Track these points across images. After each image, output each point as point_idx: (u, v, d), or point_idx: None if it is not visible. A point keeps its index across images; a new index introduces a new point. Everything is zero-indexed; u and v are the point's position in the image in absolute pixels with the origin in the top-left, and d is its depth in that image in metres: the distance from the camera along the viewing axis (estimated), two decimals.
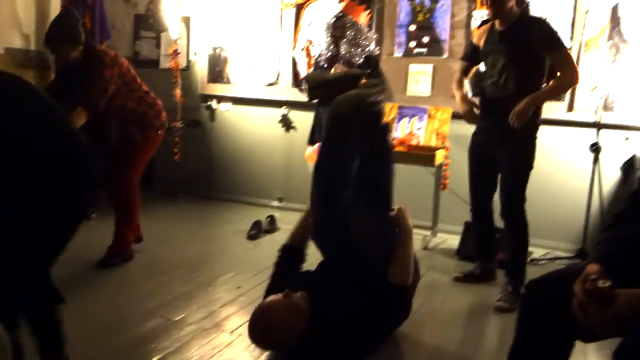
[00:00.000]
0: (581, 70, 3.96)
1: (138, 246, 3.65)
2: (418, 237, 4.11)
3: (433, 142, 4.19)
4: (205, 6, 5.17)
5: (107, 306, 2.88)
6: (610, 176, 3.99)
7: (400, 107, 4.34)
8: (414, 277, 2.65)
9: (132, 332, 2.59)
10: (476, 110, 3.20)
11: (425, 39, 4.44)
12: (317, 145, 3.85)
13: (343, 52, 3.74)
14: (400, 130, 4.28)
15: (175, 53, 5.04)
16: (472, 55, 3.31)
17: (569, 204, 4.09)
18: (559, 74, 3.01)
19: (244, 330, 2.61)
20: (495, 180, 3.22)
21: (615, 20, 3.89)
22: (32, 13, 4.58)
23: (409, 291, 2.60)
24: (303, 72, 4.81)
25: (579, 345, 1.77)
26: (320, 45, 3.92)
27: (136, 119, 3.44)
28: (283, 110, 4.99)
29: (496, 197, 3.24)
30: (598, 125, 3.92)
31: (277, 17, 4.91)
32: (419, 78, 4.46)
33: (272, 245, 3.86)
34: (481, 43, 3.22)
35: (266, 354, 2.43)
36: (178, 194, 5.29)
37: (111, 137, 3.36)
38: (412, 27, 4.48)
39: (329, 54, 3.79)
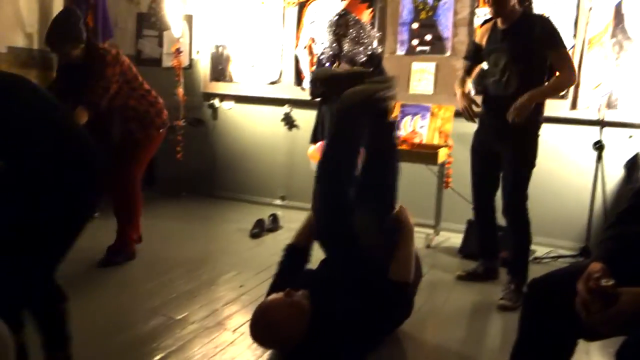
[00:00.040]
0: (585, 67, 3.97)
1: (140, 245, 3.65)
2: (421, 235, 4.11)
3: (436, 141, 4.19)
4: (207, 4, 5.17)
5: (109, 305, 2.89)
6: (614, 174, 3.98)
7: (402, 106, 4.34)
8: (416, 276, 2.65)
9: (135, 331, 2.60)
10: (475, 108, 3.20)
11: (428, 37, 4.44)
12: (319, 143, 3.86)
13: (346, 50, 3.73)
14: (402, 129, 4.28)
15: (178, 51, 5.04)
16: (474, 54, 3.31)
17: (572, 202, 4.09)
18: (557, 73, 3.01)
19: (247, 328, 2.60)
20: (498, 178, 3.21)
21: (618, 17, 3.87)
22: (35, 12, 4.59)
23: (411, 289, 2.60)
24: (305, 70, 4.81)
25: (582, 344, 1.76)
26: (323, 43, 3.92)
27: (138, 117, 3.44)
28: (286, 108, 4.99)
29: (498, 195, 3.23)
30: (601, 123, 3.91)
31: (280, 15, 4.90)
32: (422, 76, 4.46)
33: (274, 244, 3.88)
34: (483, 42, 3.21)
35: (268, 352, 2.43)
36: (181, 192, 5.29)
37: (113, 135, 3.37)
38: (415, 25, 4.47)
39: (332, 52, 3.79)
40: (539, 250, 3.88)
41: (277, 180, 5.14)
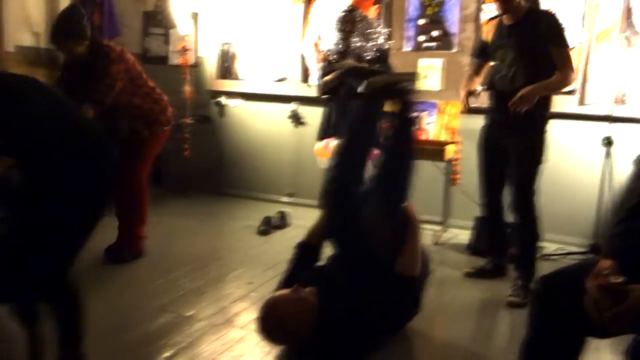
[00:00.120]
0: (593, 63, 3.94)
1: (147, 243, 3.66)
2: (429, 232, 4.10)
3: (443, 137, 4.18)
4: (213, 2, 5.17)
5: (117, 302, 2.90)
6: (623, 170, 3.95)
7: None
8: (424, 273, 2.65)
9: (144, 328, 2.61)
10: (473, 100, 3.23)
11: (435, 33, 4.42)
12: (326, 141, 3.85)
13: (353, 47, 3.72)
14: None
15: (184, 49, 5.05)
16: (481, 51, 3.30)
17: (581, 199, 4.06)
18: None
19: (255, 325, 2.62)
20: (505, 174, 3.20)
21: (627, 12, 3.84)
22: (42, 11, 4.60)
23: (419, 286, 2.60)
24: (312, 67, 4.80)
25: (591, 342, 1.76)
26: (330, 40, 3.90)
27: (142, 115, 3.44)
28: (292, 105, 4.99)
29: (507, 191, 3.22)
30: (610, 119, 3.89)
31: (286, 12, 4.90)
32: (429, 72, 4.44)
33: (282, 241, 3.89)
34: (490, 38, 3.20)
35: (277, 349, 2.43)
36: (188, 190, 5.30)
37: (119, 134, 3.37)
38: (422, 21, 4.45)
39: (339, 48, 3.77)
40: (548, 247, 3.86)
41: (285, 177, 5.14)
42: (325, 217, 2.69)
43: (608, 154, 3.92)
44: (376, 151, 2.72)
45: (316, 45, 4.79)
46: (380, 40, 3.82)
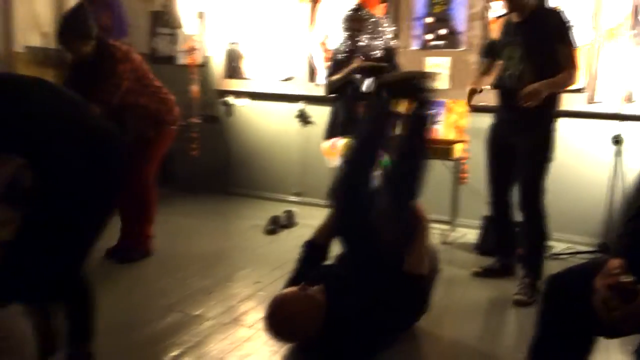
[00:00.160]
0: (602, 60, 3.91)
1: (155, 242, 3.67)
2: (437, 231, 4.09)
3: (451, 136, 4.16)
4: (220, 2, 5.17)
5: (126, 301, 2.91)
6: (633, 168, 3.92)
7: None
8: (432, 272, 2.64)
9: (151, 327, 2.62)
10: (477, 97, 3.23)
11: (442, 31, 4.40)
12: (333, 140, 3.84)
13: (361, 45, 3.72)
14: None
15: (192, 49, 5.06)
16: (489, 50, 3.29)
17: (591, 198, 4.04)
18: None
19: (263, 324, 2.62)
20: (514, 173, 3.19)
21: (636, 10, 3.81)
22: (50, 12, 4.62)
23: (427, 285, 2.60)
24: (319, 66, 4.80)
25: (601, 342, 1.74)
26: (337, 38, 3.90)
27: (149, 114, 3.43)
28: (300, 105, 4.99)
29: (515, 190, 3.21)
30: (619, 117, 3.86)
31: (293, 11, 4.90)
32: (436, 71, 4.42)
33: (290, 240, 3.89)
34: (498, 36, 3.19)
35: (284, 348, 2.44)
36: (196, 189, 5.31)
37: (127, 133, 3.38)
38: (429, 19, 4.44)
39: (346, 47, 3.77)
40: (556, 246, 3.84)
41: (292, 176, 5.14)
42: (333, 216, 2.70)
43: (617, 153, 3.90)
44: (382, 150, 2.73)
45: (323, 44, 4.80)
46: (387, 39, 3.81)
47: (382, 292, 2.36)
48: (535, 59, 2.98)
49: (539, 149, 3.06)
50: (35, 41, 4.52)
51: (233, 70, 5.27)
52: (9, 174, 1.78)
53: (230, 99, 5.31)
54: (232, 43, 5.23)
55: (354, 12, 3.73)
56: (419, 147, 2.68)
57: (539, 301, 2.87)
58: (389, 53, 3.83)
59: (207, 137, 5.21)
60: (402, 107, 2.67)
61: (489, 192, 3.37)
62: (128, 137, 3.38)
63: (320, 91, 4.47)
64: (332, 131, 3.91)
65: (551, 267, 3.04)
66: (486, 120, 3.33)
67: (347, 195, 2.57)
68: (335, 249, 2.73)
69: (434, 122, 4.07)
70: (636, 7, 3.81)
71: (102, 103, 3.10)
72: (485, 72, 3.32)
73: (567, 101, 3.77)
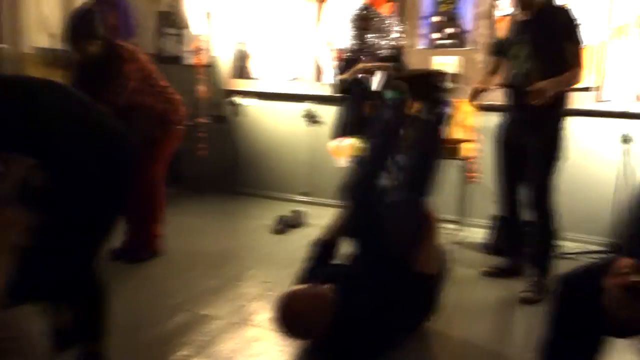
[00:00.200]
0: (611, 58, 3.89)
1: (163, 242, 3.68)
2: (445, 231, 4.08)
3: (460, 135, 4.14)
4: (227, 2, 5.18)
5: (134, 301, 2.92)
6: None
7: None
8: (442, 273, 2.64)
9: (161, 327, 2.63)
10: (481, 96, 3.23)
11: (449, 30, 4.39)
12: (340, 139, 3.85)
13: (368, 44, 3.72)
14: None
15: (199, 49, 5.07)
16: (497, 49, 3.28)
17: (601, 197, 4.02)
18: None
19: (272, 324, 2.63)
20: (523, 172, 3.18)
21: None
22: (58, 13, 4.64)
23: (436, 285, 2.59)
24: (326, 66, 4.80)
25: (611, 341, 1.74)
26: (344, 38, 3.90)
27: (155, 114, 3.43)
28: (307, 104, 4.99)
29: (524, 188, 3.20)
30: (628, 115, 3.84)
31: (300, 11, 4.90)
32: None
33: (298, 240, 3.89)
34: (505, 35, 3.19)
35: (294, 348, 2.44)
36: (204, 189, 5.32)
37: (134, 133, 3.37)
38: (436, 18, 4.43)
39: (354, 46, 3.77)
40: (567, 245, 3.83)
41: (299, 176, 5.14)
42: (344, 215, 2.70)
43: (626, 151, 3.88)
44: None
45: (330, 43, 4.79)
46: (395, 38, 3.81)
47: (392, 291, 2.37)
48: (542, 57, 2.97)
49: (548, 148, 3.05)
50: (44, 42, 4.55)
51: (240, 70, 5.28)
52: (20, 174, 1.79)
53: (238, 99, 5.31)
54: (239, 43, 5.24)
55: (361, 11, 3.73)
56: (433, 147, 2.69)
57: (546, 299, 2.89)
58: (396, 52, 3.83)
59: (215, 137, 5.22)
60: (415, 106, 2.68)
61: (498, 191, 3.36)
62: (135, 137, 3.40)
63: (328, 91, 4.48)
64: (340, 131, 3.91)
65: (561, 267, 3.03)
66: (494, 119, 3.32)
67: (360, 194, 2.58)
68: (345, 248, 2.74)
69: (448, 122, 4.04)
70: None
71: (108, 103, 3.11)
72: (493, 71, 3.32)
73: (576, 99, 3.75)
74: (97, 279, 2.12)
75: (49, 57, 4.59)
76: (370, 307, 2.30)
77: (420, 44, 4.49)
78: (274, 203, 5.03)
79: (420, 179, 2.63)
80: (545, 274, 3.07)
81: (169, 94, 3.52)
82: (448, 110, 2.83)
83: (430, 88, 2.68)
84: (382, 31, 3.73)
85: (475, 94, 3.24)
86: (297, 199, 5.12)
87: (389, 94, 3.73)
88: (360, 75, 3.68)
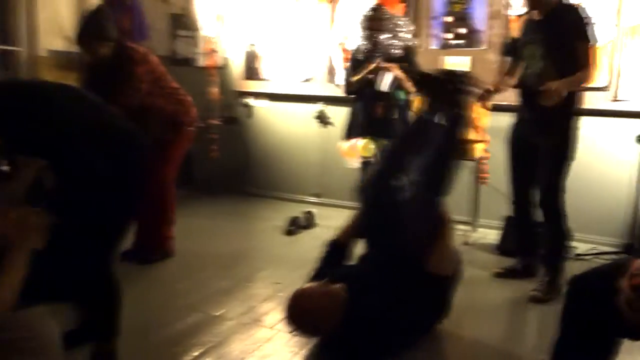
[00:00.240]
0: (625, 57, 3.85)
1: (175, 243, 3.69)
2: (457, 232, 4.06)
3: (471, 136, 4.11)
4: (239, 4, 5.20)
5: (147, 302, 2.94)
6: None
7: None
8: (455, 275, 2.63)
9: (172, 328, 2.64)
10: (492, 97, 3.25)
11: (462, 30, 4.37)
12: (352, 140, 3.84)
13: (381, 45, 3.71)
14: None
15: (212, 51, 5.09)
16: (511, 49, 3.26)
17: (615, 198, 3.97)
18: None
19: (284, 325, 2.63)
20: (535, 172, 3.16)
21: None
22: (74, 15, 4.69)
23: (449, 286, 2.58)
24: (338, 67, 4.80)
25: (625, 344, 1.72)
26: (357, 38, 3.90)
27: (166, 116, 3.44)
28: (319, 105, 4.99)
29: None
30: None
31: (312, 12, 4.90)
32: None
33: (310, 241, 3.89)
34: (518, 34, 3.16)
35: (305, 349, 2.44)
36: (216, 190, 5.34)
37: (146, 135, 3.39)
38: (448, 19, 4.41)
39: (366, 47, 3.77)
40: (581, 246, 3.79)
41: (311, 177, 5.14)
42: (360, 213, 2.71)
43: None
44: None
45: (342, 44, 4.79)
46: (407, 38, 3.80)
47: (404, 292, 2.36)
48: (555, 56, 2.94)
49: (560, 148, 3.03)
50: (58, 45, 4.59)
51: (252, 71, 5.30)
52: (32, 176, 1.81)
53: (250, 100, 5.33)
54: (251, 44, 5.26)
55: (373, 11, 3.72)
56: (451, 147, 2.69)
57: (556, 299, 2.87)
58: (408, 52, 3.82)
59: (227, 139, 5.24)
60: (435, 106, 2.68)
61: (510, 192, 3.33)
62: (147, 139, 3.41)
63: (340, 92, 4.48)
64: (351, 132, 3.91)
65: (575, 268, 3.00)
66: (507, 120, 3.30)
67: (374, 194, 2.58)
68: (358, 250, 2.74)
69: (467, 124, 3.99)
70: None
71: (121, 105, 3.13)
72: (507, 72, 3.29)
73: (590, 99, 3.72)
74: (111, 278, 2.14)
75: (63, 60, 4.63)
76: (381, 308, 2.29)
77: (433, 44, 4.47)
78: (285, 204, 5.03)
79: (437, 179, 2.62)
80: (557, 274, 3.05)
81: (180, 95, 3.53)
82: (467, 112, 2.82)
83: (451, 89, 2.67)
84: (394, 32, 3.72)
85: (487, 95, 3.21)
86: (309, 200, 5.12)
87: (399, 95, 3.73)
88: (371, 76, 3.69)
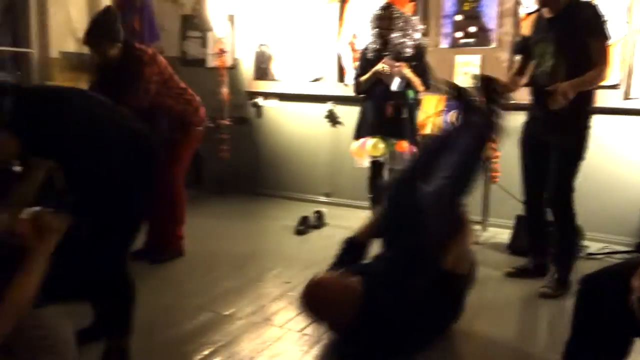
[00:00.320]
0: (638, 55, 3.81)
1: (185, 243, 3.70)
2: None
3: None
4: (249, 4, 5.21)
5: (157, 301, 2.94)
6: None
7: (447, 99, 4.26)
8: (470, 275, 2.62)
9: (183, 327, 2.65)
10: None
11: (472, 29, 4.35)
12: (362, 140, 3.84)
13: (391, 44, 3.70)
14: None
15: (221, 52, 5.11)
16: (522, 47, 3.23)
17: (627, 197, 3.93)
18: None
19: (294, 324, 2.64)
20: (547, 171, 3.13)
21: None
22: (85, 17, 4.72)
23: (465, 286, 2.57)
24: (348, 66, 4.80)
25: (638, 343, 1.70)
26: (367, 38, 3.89)
27: (175, 116, 3.45)
28: (329, 105, 4.99)
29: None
30: None
31: (321, 11, 4.90)
32: (466, 69, 4.38)
33: (320, 241, 3.90)
34: (530, 33, 3.14)
35: (315, 348, 2.44)
36: (225, 190, 5.35)
37: (156, 135, 3.41)
38: (458, 17, 4.39)
39: (376, 46, 3.76)
40: (592, 245, 3.76)
41: (321, 177, 5.15)
42: (380, 213, 2.71)
43: None
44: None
45: (352, 44, 4.79)
46: (417, 37, 3.79)
47: (421, 291, 2.35)
48: (567, 54, 2.91)
49: (572, 147, 3.01)
50: (70, 47, 4.63)
51: (262, 71, 5.31)
52: (43, 177, 1.83)
53: (260, 101, 5.34)
54: (262, 45, 5.27)
55: (383, 10, 3.72)
56: (481, 152, 2.70)
57: (565, 296, 2.85)
58: (419, 51, 3.81)
59: (237, 139, 5.25)
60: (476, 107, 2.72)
61: (523, 191, 3.31)
62: (157, 139, 3.43)
63: (349, 91, 4.47)
64: (361, 131, 3.90)
65: (586, 267, 2.98)
66: (518, 119, 3.27)
67: (404, 195, 2.60)
68: (375, 249, 2.74)
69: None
70: None
71: (132, 106, 3.14)
72: (519, 71, 3.26)
73: (602, 97, 3.68)
74: (126, 277, 2.16)
75: (75, 61, 4.67)
76: (397, 307, 2.28)
77: (443, 43, 4.46)
78: (296, 204, 5.03)
79: (463, 181, 2.62)
80: (567, 271, 3.04)
81: (189, 95, 3.54)
82: (501, 118, 2.83)
83: (491, 93, 2.70)
84: (404, 31, 3.71)
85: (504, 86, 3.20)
86: (319, 199, 5.13)
87: (409, 94, 3.72)
88: (382, 74, 3.68)
